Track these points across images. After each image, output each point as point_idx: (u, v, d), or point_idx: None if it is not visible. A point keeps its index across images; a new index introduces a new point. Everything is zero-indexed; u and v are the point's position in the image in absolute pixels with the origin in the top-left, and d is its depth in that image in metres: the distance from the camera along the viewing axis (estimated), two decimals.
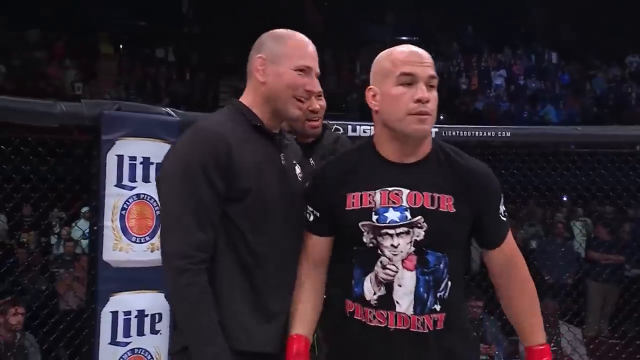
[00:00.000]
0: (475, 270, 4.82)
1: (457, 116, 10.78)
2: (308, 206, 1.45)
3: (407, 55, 1.39)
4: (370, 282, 1.39)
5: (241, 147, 1.42)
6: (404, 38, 11.34)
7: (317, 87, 1.56)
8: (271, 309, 1.45)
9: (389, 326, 1.37)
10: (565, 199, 6.75)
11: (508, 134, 3.02)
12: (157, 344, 2.59)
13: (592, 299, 4.85)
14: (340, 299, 1.45)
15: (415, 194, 1.38)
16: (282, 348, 1.46)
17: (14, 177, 2.76)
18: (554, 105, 11.97)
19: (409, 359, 1.39)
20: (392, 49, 1.43)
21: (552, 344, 4.04)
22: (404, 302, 1.37)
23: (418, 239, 1.37)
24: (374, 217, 1.38)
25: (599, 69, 12.22)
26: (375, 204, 1.39)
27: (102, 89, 10.63)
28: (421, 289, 1.37)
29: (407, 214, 1.37)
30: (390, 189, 1.39)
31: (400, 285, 1.37)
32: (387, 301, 1.37)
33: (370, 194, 1.39)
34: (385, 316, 1.37)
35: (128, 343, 2.53)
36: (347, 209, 1.40)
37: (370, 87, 1.43)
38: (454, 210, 1.38)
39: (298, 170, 1.59)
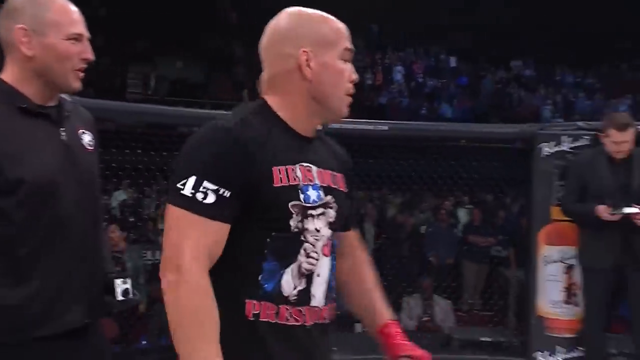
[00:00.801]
0: None
1: (361, 110, 11.25)
2: (206, 182, 1.05)
3: (345, 29, 1.20)
4: (292, 275, 1.12)
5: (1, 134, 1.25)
6: None
7: (90, 53, 1.36)
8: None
9: (306, 323, 1.14)
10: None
11: (385, 128, 3.33)
12: None
13: (466, 277, 5.39)
14: (233, 301, 1.10)
15: (322, 172, 1.18)
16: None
17: None
18: (449, 103, 12.81)
19: (323, 356, 1.20)
20: (318, 14, 1.20)
21: (427, 315, 4.48)
22: (319, 293, 1.16)
23: (331, 220, 1.17)
24: (301, 196, 1.12)
25: (488, 72, 13.22)
26: (299, 181, 1.13)
27: None
28: (332, 277, 1.19)
29: (322, 193, 1.16)
30: (305, 164, 1.15)
31: (318, 275, 1.15)
32: (305, 295, 1.13)
33: (292, 169, 1.13)
34: (303, 312, 1.13)
35: None
36: (275, 185, 1.09)
37: (306, 50, 1.14)
38: (346, 189, 1.25)
39: (88, 138, 1.42)
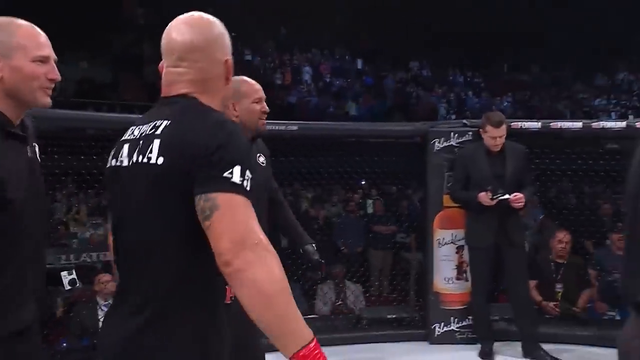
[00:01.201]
0: None
1: (272, 109, 11.39)
2: (247, 171, 1.11)
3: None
4: None
5: None
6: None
7: (56, 74, 1.45)
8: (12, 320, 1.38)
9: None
10: (363, 182, 7.66)
11: (295, 128, 3.57)
12: None
13: (372, 263, 5.76)
14: (220, 289, 1.21)
15: None
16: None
17: None
18: (355, 102, 13.30)
19: None
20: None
21: (340, 300, 4.77)
22: None
23: None
24: None
25: (389, 72, 13.87)
26: None
27: None
28: None
29: None
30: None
31: None
32: None
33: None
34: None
35: None
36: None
37: (228, 58, 1.29)
38: None
39: (37, 149, 1.52)
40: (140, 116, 1.33)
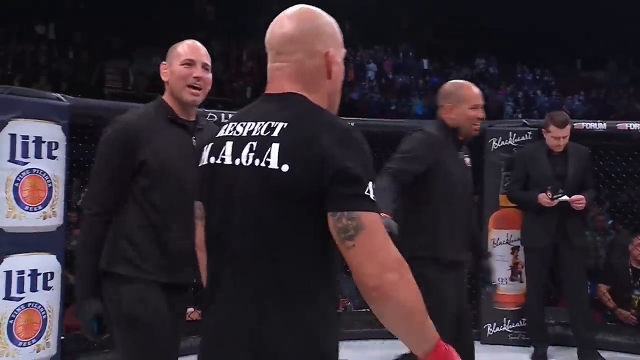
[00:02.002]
0: None
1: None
2: (373, 184, 1.08)
3: None
4: None
5: (149, 134, 1.77)
6: None
7: (200, 73, 1.82)
8: (170, 247, 1.77)
9: None
10: None
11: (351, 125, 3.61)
12: (49, 298, 2.84)
13: None
14: (330, 294, 1.24)
15: None
16: (172, 280, 1.79)
17: None
18: (419, 99, 13.15)
19: None
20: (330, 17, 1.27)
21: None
22: None
23: None
24: None
25: (453, 69, 13.60)
26: None
27: None
28: None
29: None
30: None
31: None
32: None
33: None
34: None
35: (21, 298, 2.75)
36: None
37: (332, 50, 1.20)
38: None
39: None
40: (237, 112, 1.29)
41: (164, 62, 1.87)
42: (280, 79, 1.18)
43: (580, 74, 14.37)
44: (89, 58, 11.42)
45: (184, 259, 1.76)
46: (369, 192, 1.05)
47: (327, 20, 1.21)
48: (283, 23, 1.19)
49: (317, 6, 1.22)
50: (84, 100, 3.18)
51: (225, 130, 1.18)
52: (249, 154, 1.11)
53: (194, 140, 1.82)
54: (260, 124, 1.12)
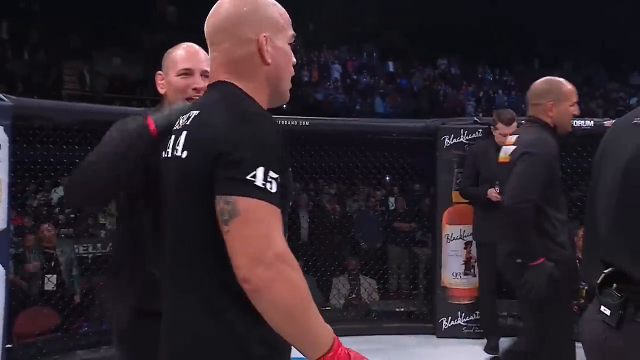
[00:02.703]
0: None
1: (299, 106, 11.50)
2: (271, 172, 1.01)
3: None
4: None
5: None
6: None
7: (199, 84, 1.57)
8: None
9: None
10: (387, 178, 7.64)
11: (307, 123, 3.65)
12: None
13: (391, 259, 5.79)
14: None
15: None
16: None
17: None
18: (382, 99, 13.28)
19: None
20: (269, 0, 1.18)
21: (354, 293, 4.84)
22: None
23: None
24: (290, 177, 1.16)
25: (416, 69, 13.79)
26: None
27: None
28: None
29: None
30: None
31: None
32: None
33: None
34: None
35: None
36: (290, 170, 1.12)
37: (265, 35, 1.13)
38: None
39: None
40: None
41: (159, 72, 1.66)
42: (215, 70, 1.15)
43: (537, 74, 14.79)
44: (46, 59, 11.11)
45: None
46: (254, 177, 0.98)
47: (261, 3, 1.15)
48: (215, 11, 1.16)
49: (281, 5, 1.18)
50: (28, 100, 3.09)
51: (176, 123, 1.19)
52: (175, 145, 1.12)
53: None
54: (187, 115, 1.13)
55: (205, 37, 1.18)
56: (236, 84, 1.12)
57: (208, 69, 1.49)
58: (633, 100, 14.11)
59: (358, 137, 4.49)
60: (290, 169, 1.12)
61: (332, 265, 4.87)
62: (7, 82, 9.40)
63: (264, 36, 1.12)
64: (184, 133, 1.10)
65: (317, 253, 4.64)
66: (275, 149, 1.03)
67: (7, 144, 2.81)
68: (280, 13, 1.17)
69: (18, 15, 11.56)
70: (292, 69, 1.19)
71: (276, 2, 1.18)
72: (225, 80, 1.13)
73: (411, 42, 14.41)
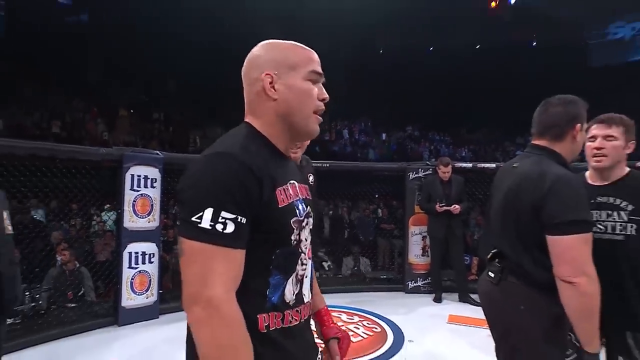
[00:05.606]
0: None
1: (322, 155, 11.56)
2: (224, 212, 0.69)
3: (313, 55, 0.83)
4: (292, 283, 0.80)
5: None
6: None
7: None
8: None
9: (302, 319, 0.82)
10: (377, 196, 7.66)
11: (327, 165, 3.72)
12: (152, 268, 2.93)
13: (379, 247, 5.79)
14: (246, 319, 0.73)
15: (300, 186, 0.84)
16: None
17: (69, 186, 2.80)
18: (373, 150, 13.34)
19: (312, 337, 0.86)
20: (286, 42, 0.83)
21: (356, 267, 4.82)
22: (307, 291, 0.83)
23: (311, 227, 0.84)
24: (297, 212, 0.79)
25: (394, 133, 13.90)
26: (292, 198, 0.79)
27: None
28: (311, 276, 0.87)
29: (304, 205, 0.82)
30: (291, 181, 0.81)
31: (306, 277, 0.83)
32: (300, 296, 0.81)
33: (286, 188, 0.79)
34: (299, 311, 0.81)
35: (137, 267, 2.84)
36: (280, 206, 0.76)
37: (269, 73, 0.80)
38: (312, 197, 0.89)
39: None
40: None
41: (267, 72, 0.86)
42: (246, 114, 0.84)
43: (465, 136, 14.73)
44: (182, 128, 10.90)
45: None
46: (200, 218, 0.68)
47: (275, 46, 0.81)
48: None
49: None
50: (171, 155, 3.22)
51: None
52: None
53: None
54: None
55: None
56: (252, 122, 0.81)
57: None
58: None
59: (359, 173, 4.61)
60: (299, 198, 0.80)
61: (343, 250, 4.89)
62: (161, 144, 9.38)
63: (268, 74, 0.79)
64: None
65: (333, 243, 4.72)
66: (229, 189, 0.70)
67: (160, 179, 2.99)
68: (297, 53, 0.81)
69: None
70: (316, 103, 0.81)
71: (297, 45, 0.82)
72: (246, 119, 0.82)
73: (391, 116, 14.50)
